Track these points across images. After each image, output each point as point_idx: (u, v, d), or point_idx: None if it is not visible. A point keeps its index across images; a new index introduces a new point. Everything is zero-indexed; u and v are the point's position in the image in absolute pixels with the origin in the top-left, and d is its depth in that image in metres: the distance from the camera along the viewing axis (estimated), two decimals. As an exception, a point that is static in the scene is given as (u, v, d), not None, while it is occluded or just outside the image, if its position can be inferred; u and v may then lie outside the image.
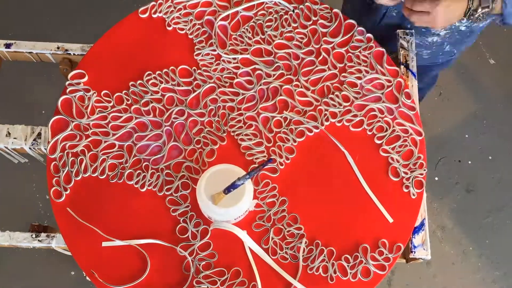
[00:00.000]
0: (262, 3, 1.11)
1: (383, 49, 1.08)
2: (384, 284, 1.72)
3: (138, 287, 0.91)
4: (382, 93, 1.05)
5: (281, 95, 1.04)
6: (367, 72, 1.06)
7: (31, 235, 1.00)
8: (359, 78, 1.06)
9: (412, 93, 1.06)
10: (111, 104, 1.02)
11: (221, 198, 0.86)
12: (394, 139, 1.02)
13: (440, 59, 1.25)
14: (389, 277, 1.73)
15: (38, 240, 0.99)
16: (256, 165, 0.96)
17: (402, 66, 1.11)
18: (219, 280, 0.91)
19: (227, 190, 0.85)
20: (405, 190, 0.99)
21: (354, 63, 1.07)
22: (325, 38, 1.09)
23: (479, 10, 0.92)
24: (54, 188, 0.96)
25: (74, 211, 0.95)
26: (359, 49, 1.08)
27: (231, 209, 0.87)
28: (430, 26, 0.96)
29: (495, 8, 0.93)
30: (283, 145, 1.01)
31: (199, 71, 1.05)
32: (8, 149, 1.04)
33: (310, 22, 1.10)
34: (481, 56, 2.05)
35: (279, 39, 1.08)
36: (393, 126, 1.03)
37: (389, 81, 1.06)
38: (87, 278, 0.93)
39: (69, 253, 0.97)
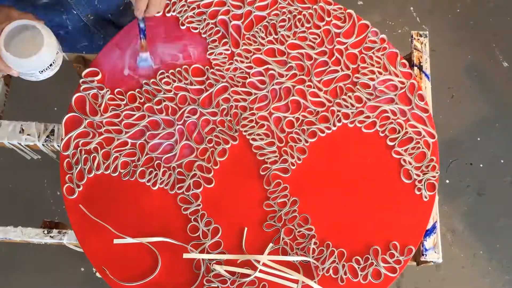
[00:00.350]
0: (276, 1, 1.11)
1: (397, 51, 1.08)
2: (393, 286, 1.71)
3: (148, 285, 0.92)
4: (395, 95, 1.04)
5: (293, 95, 1.04)
6: (380, 73, 1.06)
7: (43, 231, 1.01)
8: (372, 79, 1.05)
9: (425, 95, 1.05)
10: (124, 102, 1.02)
11: None
12: (407, 141, 1.01)
13: None
14: (399, 280, 1.72)
15: (50, 236, 1.00)
16: None
17: (415, 68, 1.10)
18: (229, 279, 0.92)
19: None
20: (417, 193, 0.98)
21: (367, 64, 1.07)
22: (338, 39, 1.08)
23: None
24: (67, 185, 0.97)
25: (86, 208, 0.95)
26: (373, 50, 1.08)
27: (27, 60, 0.86)
28: None
29: None
30: (295, 146, 1.00)
31: (212, 70, 1.05)
32: (22, 146, 1.04)
33: (324, 23, 1.10)
34: (494, 59, 2.04)
35: (292, 39, 1.08)
36: (406, 128, 1.02)
37: (402, 82, 1.05)
38: (97, 274, 0.94)
39: (80, 250, 0.98)
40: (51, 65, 0.92)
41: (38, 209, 1.75)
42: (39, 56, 0.87)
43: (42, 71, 0.91)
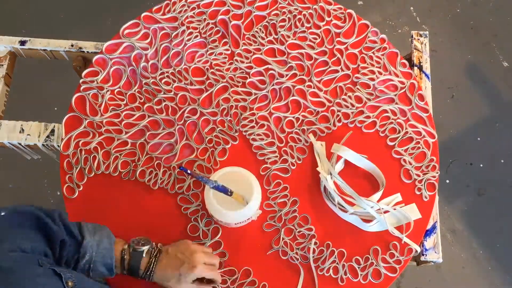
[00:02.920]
0: (276, 1, 1.11)
1: (397, 51, 1.08)
2: (393, 286, 1.71)
3: (148, 285, 0.91)
4: (395, 95, 1.04)
5: (293, 95, 1.04)
6: (380, 73, 1.06)
7: (43, 231, 1.00)
8: (372, 79, 1.05)
9: (425, 95, 1.05)
10: (124, 102, 1.02)
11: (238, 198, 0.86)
12: (407, 141, 1.01)
13: None
14: (399, 280, 1.72)
15: (50, 236, 1.00)
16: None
17: (415, 68, 1.10)
18: (229, 279, 0.92)
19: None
20: (418, 193, 0.98)
21: (367, 64, 1.07)
22: (338, 39, 1.08)
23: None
24: (67, 185, 0.97)
25: (86, 208, 0.95)
26: (373, 50, 1.08)
27: (233, 213, 0.85)
28: None
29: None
30: (295, 146, 1.00)
31: (212, 70, 1.05)
32: (22, 146, 1.04)
33: (324, 23, 1.10)
34: (494, 59, 2.04)
35: (292, 39, 1.08)
36: (406, 128, 1.02)
37: (402, 82, 1.05)
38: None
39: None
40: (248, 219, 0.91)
41: (38, 209, 1.75)
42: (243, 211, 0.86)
43: (236, 224, 0.91)
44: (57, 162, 1.00)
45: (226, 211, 0.85)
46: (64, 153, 0.99)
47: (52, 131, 1.04)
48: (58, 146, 1.02)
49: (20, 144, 1.04)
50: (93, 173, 0.97)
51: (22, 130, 1.04)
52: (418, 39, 1.12)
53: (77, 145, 0.99)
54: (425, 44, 1.12)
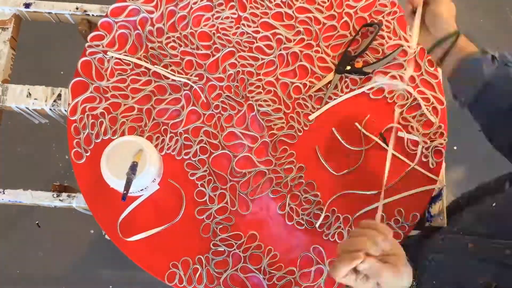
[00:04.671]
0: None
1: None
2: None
3: (154, 247, 0.93)
4: (405, 60, 1.02)
5: (301, 60, 1.02)
6: (390, 38, 1.04)
7: (53, 195, 1.02)
8: (382, 44, 1.03)
9: (435, 61, 1.03)
10: (131, 67, 1.02)
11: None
12: (415, 108, 1.00)
13: None
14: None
15: (60, 200, 1.01)
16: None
17: (426, 33, 1.08)
18: (235, 243, 0.93)
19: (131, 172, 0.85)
20: (424, 160, 0.98)
21: (377, 29, 1.04)
22: (347, 3, 1.06)
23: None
24: (74, 149, 0.97)
25: (94, 172, 0.96)
26: (383, 14, 1.05)
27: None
28: None
29: None
30: (302, 112, 1.00)
31: (218, 34, 1.04)
32: (29, 110, 1.05)
33: (333, -14, 1.07)
34: (507, 24, 1.99)
35: (300, 3, 1.06)
36: (414, 95, 1.01)
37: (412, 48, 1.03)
38: (106, 236, 0.96)
39: (89, 213, 0.99)
40: (142, 189, 0.92)
41: (46, 173, 1.77)
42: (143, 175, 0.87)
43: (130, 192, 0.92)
44: (64, 126, 1.01)
45: (117, 180, 0.86)
46: (71, 118, 0.99)
47: (59, 95, 1.03)
48: (65, 110, 1.02)
49: (27, 108, 1.04)
50: (100, 138, 0.98)
51: (29, 95, 1.04)
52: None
53: (84, 110, 0.99)
54: (436, 8, 1.09)
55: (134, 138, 0.89)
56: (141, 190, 0.91)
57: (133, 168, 0.85)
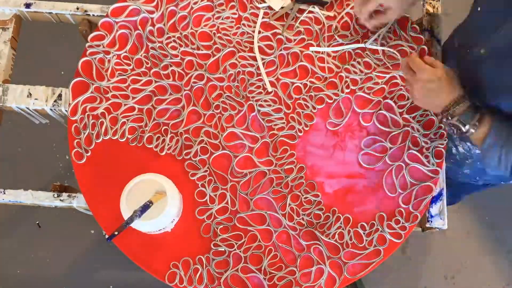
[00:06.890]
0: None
1: (408, 15, 1.05)
2: (398, 253, 1.73)
3: (155, 248, 0.93)
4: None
5: (301, 61, 1.02)
6: (390, 38, 1.04)
7: (53, 195, 1.02)
8: (382, 44, 1.03)
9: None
10: (131, 67, 1.02)
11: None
12: (416, 108, 1.00)
13: (459, 178, 1.14)
14: (404, 245, 1.74)
15: (60, 200, 1.02)
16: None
17: (426, 33, 1.08)
18: (236, 243, 0.93)
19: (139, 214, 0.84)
20: (425, 160, 0.98)
21: (377, 29, 1.04)
22: (348, 3, 1.06)
23: (455, 118, 0.83)
24: (75, 150, 0.98)
25: (94, 172, 0.96)
26: (383, 15, 1.05)
27: (151, 221, 0.86)
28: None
29: (472, 133, 0.83)
30: (302, 112, 1.00)
31: (219, 34, 1.04)
32: (29, 110, 1.05)
33: (333, -14, 1.07)
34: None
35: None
36: (415, 95, 1.01)
37: (412, 48, 1.03)
38: (107, 236, 0.95)
39: (89, 213, 0.99)
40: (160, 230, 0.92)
41: (47, 173, 1.77)
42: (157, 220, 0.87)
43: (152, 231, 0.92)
44: (65, 126, 1.01)
45: (145, 222, 0.86)
46: (71, 118, 0.99)
47: (60, 95, 1.04)
48: (66, 111, 1.02)
49: (28, 108, 1.04)
50: (101, 139, 0.98)
51: (29, 95, 1.04)
52: (430, 3, 1.09)
53: (84, 110, 0.99)
54: (437, 8, 1.09)
55: (157, 178, 0.88)
56: (159, 230, 0.92)
57: (144, 209, 0.84)
